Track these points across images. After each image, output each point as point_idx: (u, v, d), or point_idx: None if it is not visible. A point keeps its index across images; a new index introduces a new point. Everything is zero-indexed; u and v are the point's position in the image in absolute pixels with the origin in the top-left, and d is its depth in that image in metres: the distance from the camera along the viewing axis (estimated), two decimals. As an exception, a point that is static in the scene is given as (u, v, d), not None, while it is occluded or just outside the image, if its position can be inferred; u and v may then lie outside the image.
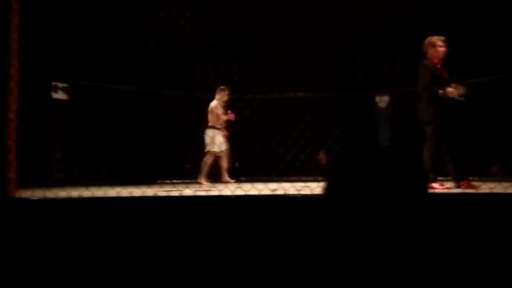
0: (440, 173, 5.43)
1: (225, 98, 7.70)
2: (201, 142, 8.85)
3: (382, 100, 8.41)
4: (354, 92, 8.82)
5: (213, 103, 7.71)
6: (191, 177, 8.84)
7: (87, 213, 3.35)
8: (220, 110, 7.64)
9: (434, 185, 5.12)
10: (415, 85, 5.47)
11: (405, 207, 1.25)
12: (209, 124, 7.70)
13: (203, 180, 7.48)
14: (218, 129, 7.64)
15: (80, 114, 7.71)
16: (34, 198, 3.68)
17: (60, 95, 7.31)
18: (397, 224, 1.22)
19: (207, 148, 7.61)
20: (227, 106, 7.76)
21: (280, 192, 3.76)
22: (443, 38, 5.41)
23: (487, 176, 7.16)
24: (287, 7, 8.23)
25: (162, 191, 4.05)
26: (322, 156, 8.88)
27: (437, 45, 5.36)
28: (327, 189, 1.33)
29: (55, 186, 5.56)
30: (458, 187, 4.97)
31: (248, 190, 3.68)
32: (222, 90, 7.70)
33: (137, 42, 8.39)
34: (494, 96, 7.58)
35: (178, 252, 2.82)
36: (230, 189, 4.06)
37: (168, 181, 7.98)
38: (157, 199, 3.57)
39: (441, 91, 5.10)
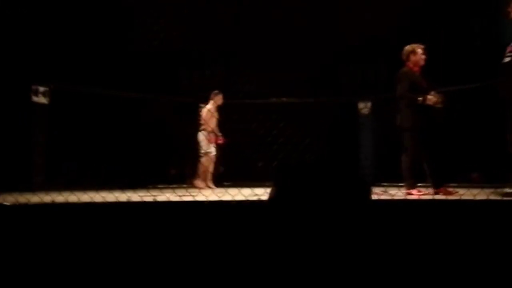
0: (419, 180, 5.48)
1: (219, 102, 7.75)
2: (186, 147, 8.86)
3: (365, 107, 8.47)
4: (338, 98, 8.87)
5: (208, 107, 7.77)
6: (176, 182, 8.83)
7: (59, 219, 3.32)
8: (214, 114, 7.67)
9: (412, 191, 5.18)
10: (395, 92, 5.52)
11: (345, 214, 1.30)
12: (202, 127, 7.74)
13: (205, 184, 7.54)
14: (210, 132, 7.68)
15: (62, 118, 7.66)
16: (6, 204, 3.64)
17: (41, 99, 7.24)
18: (338, 228, 1.27)
19: (203, 151, 7.67)
20: (220, 111, 7.81)
21: (254, 198, 3.76)
22: (422, 46, 5.48)
23: (467, 183, 7.23)
24: (273, 15, 8.26)
25: (137, 196, 4.02)
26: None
27: (417, 52, 5.43)
28: (273, 196, 1.38)
29: (36, 191, 5.50)
30: (436, 193, 5.02)
31: (222, 196, 3.67)
32: (216, 94, 7.75)
33: (122, 46, 8.36)
34: (475, 103, 7.63)
35: (146, 259, 2.80)
36: (204, 194, 4.04)
37: (151, 186, 7.96)
38: (130, 205, 3.54)
39: (420, 98, 5.16)
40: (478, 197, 3.24)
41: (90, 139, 7.89)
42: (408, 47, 5.48)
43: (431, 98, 5.14)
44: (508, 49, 4.57)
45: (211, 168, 7.80)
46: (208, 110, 7.71)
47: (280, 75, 8.43)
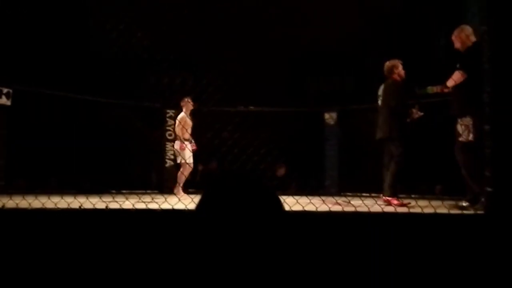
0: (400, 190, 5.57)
1: (190, 107, 7.68)
2: (152, 153, 8.78)
3: (331, 117, 8.54)
4: (305, 108, 8.93)
5: (181, 115, 7.67)
6: (141, 187, 8.72)
7: (7, 226, 3.24)
8: (188, 122, 7.59)
9: (393, 200, 5.19)
10: (384, 104, 5.56)
11: (261, 227, 1.31)
12: (177, 136, 7.64)
13: (179, 192, 7.44)
14: (186, 140, 7.60)
15: (25, 120, 7.53)
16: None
17: (2, 100, 7.08)
18: (248, 241, 1.27)
19: (178, 160, 7.62)
20: (192, 118, 7.76)
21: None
22: (400, 61, 5.66)
23: (432, 195, 7.34)
24: (242, 24, 8.27)
25: (89, 203, 3.94)
26: (280, 172, 8.98)
27: (399, 66, 5.63)
28: (199, 206, 1.39)
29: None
30: (389, 204, 5.08)
31: (162, 204, 3.64)
32: (186, 101, 7.66)
33: (90, 50, 8.27)
34: (438, 115, 7.76)
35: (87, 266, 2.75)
36: (157, 203, 3.97)
37: (115, 192, 7.84)
38: (81, 212, 3.48)
39: (414, 110, 5.37)
40: (426, 210, 3.28)
41: (54, 142, 7.76)
42: (389, 63, 5.69)
43: (417, 111, 5.38)
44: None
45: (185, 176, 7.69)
46: (182, 118, 7.63)
47: (249, 84, 8.44)
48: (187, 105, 7.67)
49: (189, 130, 7.59)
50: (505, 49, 3.17)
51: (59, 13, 7.85)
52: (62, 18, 7.91)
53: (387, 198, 5.23)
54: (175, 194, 7.32)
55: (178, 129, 7.61)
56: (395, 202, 5.14)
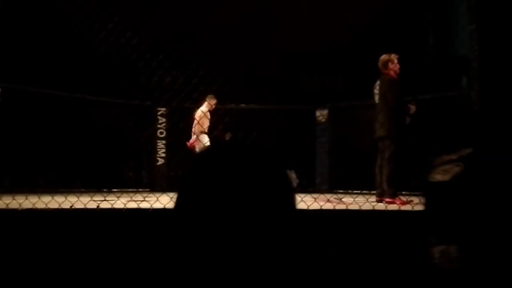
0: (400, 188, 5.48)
1: (213, 105, 7.52)
2: (143, 150, 8.73)
3: (322, 115, 8.54)
4: (296, 106, 8.93)
5: (204, 109, 7.56)
6: (133, 186, 8.68)
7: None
8: (208, 116, 7.48)
9: (396, 200, 5.04)
10: (381, 100, 5.40)
11: (268, 224, 1.05)
12: (201, 130, 7.49)
13: None
14: (202, 133, 7.46)
15: (14, 119, 7.44)
16: None
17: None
18: (251, 240, 1.02)
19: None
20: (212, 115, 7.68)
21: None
22: (397, 55, 5.48)
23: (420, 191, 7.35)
24: (234, 22, 8.24)
25: (80, 203, 3.93)
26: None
27: (394, 61, 5.41)
28: (178, 202, 1.15)
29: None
30: (380, 201, 5.04)
31: (154, 203, 3.64)
32: (211, 98, 7.51)
33: (79, 49, 8.19)
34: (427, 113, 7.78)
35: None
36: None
37: (107, 190, 7.78)
38: (72, 212, 3.46)
39: (412, 106, 5.25)
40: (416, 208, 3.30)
41: (45, 141, 7.69)
42: (384, 56, 5.45)
43: (414, 108, 5.26)
44: None
45: None
46: (202, 112, 7.52)
47: (240, 82, 8.41)
48: (211, 101, 7.50)
49: (207, 125, 7.43)
50: (494, 47, 3.19)
51: (47, 10, 7.78)
52: (50, 15, 7.83)
53: (389, 200, 5.05)
54: None
55: (201, 122, 7.41)
56: (398, 201, 5.00)
